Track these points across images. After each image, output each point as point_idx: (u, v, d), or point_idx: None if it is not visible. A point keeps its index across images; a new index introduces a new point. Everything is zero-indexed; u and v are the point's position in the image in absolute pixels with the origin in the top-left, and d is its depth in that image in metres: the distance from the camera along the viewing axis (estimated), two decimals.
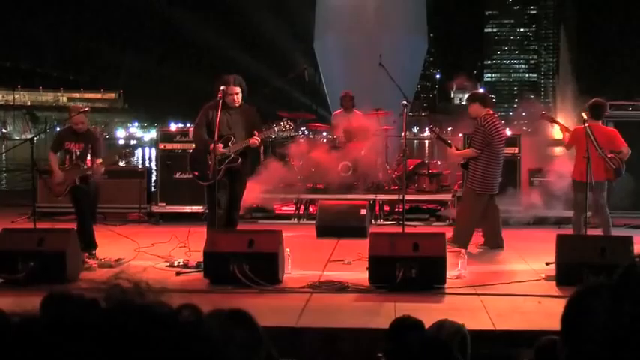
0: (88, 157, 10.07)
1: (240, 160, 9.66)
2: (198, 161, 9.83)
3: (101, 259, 9.62)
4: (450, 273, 8.56)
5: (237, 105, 9.68)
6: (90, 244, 9.95)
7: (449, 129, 20.66)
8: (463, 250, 9.64)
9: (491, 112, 10.79)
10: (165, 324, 1.21)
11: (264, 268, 8.36)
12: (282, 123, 10.04)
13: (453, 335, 3.94)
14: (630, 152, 10.51)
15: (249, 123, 9.75)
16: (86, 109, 11.07)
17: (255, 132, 9.62)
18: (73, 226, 10.22)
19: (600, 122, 10.81)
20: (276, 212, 14.01)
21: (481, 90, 12.12)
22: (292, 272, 8.90)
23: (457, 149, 11.21)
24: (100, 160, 10.06)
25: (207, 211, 10.13)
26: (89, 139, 10.26)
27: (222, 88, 9.49)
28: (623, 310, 1.38)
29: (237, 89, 9.62)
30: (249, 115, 9.81)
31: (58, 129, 11.38)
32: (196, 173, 9.87)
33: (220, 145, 9.42)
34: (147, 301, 1.24)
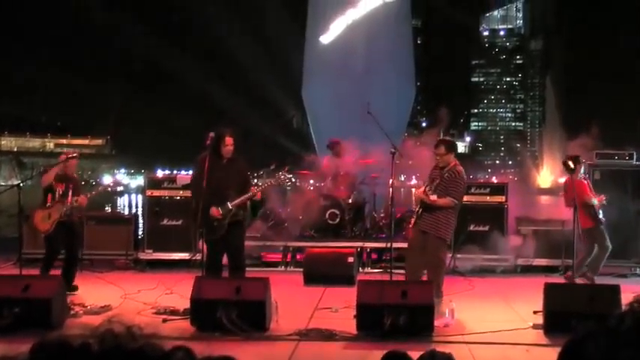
0: (69, 197, 10.89)
1: (241, 211, 9.94)
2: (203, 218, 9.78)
3: (87, 306, 9.57)
4: (438, 321, 8.55)
5: (229, 156, 9.94)
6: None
7: None
8: (452, 300, 9.61)
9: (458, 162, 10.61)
10: None
11: (251, 316, 8.32)
12: (281, 176, 10.44)
13: None
14: (596, 202, 11.37)
15: (242, 174, 10.05)
16: (75, 154, 11.28)
17: (252, 188, 10.07)
18: (59, 272, 10.50)
19: (577, 175, 11.17)
20: (264, 260, 13.96)
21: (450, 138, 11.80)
22: (280, 320, 8.86)
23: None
24: (82, 196, 11.03)
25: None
26: (69, 180, 11.10)
27: (211, 134, 9.84)
28: (619, 356, 1.38)
29: (232, 140, 9.93)
30: (241, 167, 10.09)
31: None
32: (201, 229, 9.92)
33: (215, 210, 9.67)
34: (139, 344, 1.24)
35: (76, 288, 10.89)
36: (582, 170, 11.18)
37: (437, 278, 9.90)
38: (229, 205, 9.74)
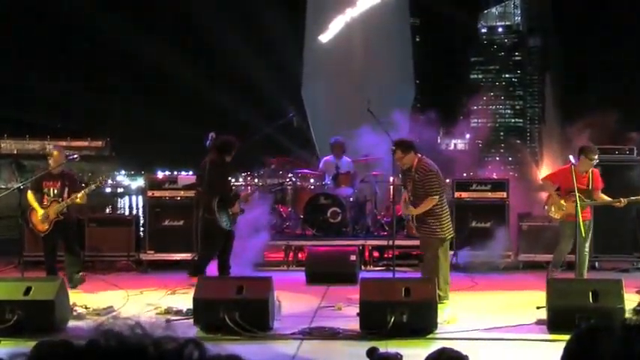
0: (65, 194, 11.14)
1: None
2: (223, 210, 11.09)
3: (90, 308, 9.56)
4: (441, 318, 8.56)
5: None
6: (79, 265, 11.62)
7: None
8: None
9: (421, 155, 10.36)
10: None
11: (254, 315, 8.31)
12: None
13: None
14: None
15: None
16: (75, 156, 11.28)
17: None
18: (61, 274, 10.59)
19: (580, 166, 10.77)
20: (266, 259, 13.94)
21: (405, 137, 11.64)
22: (283, 319, 8.86)
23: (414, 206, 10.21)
24: (80, 193, 11.12)
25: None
26: (64, 177, 11.32)
27: (212, 134, 11.20)
28: (636, 349, 1.37)
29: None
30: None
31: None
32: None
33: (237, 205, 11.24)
34: (147, 339, 1.23)
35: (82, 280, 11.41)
36: (574, 161, 10.77)
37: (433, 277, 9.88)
38: (240, 201, 11.32)
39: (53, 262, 11.38)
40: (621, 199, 10.57)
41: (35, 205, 11.14)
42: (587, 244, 10.61)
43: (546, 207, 10.93)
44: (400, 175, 10.75)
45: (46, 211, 11.08)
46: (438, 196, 10.00)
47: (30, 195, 11.19)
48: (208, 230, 11.03)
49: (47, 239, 11.30)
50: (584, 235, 10.15)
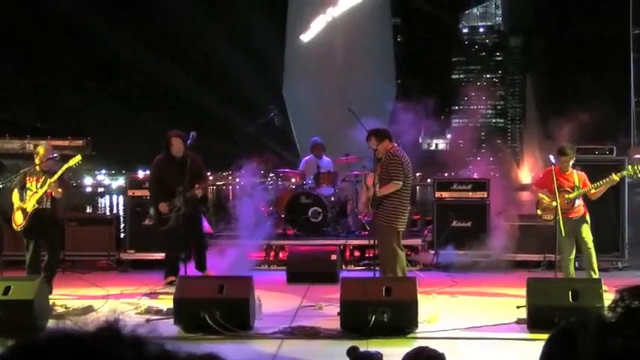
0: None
1: (183, 208, 10.84)
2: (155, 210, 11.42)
3: (69, 307, 9.51)
4: (422, 317, 8.56)
5: (180, 155, 11.15)
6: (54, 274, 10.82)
7: (417, 174, 20.81)
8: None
9: (396, 144, 10.38)
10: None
11: (235, 315, 8.30)
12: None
13: None
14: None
15: (193, 170, 10.94)
16: (55, 155, 10.98)
17: (196, 184, 11.06)
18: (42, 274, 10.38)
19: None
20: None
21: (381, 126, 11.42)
22: (264, 318, 8.85)
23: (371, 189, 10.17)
24: (52, 180, 10.44)
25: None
26: (50, 173, 10.65)
27: (193, 134, 11.24)
28: (610, 345, 1.38)
29: (178, 141, 11.21)
30: (192, 163, 10.95)
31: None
32: (154, 221, 11.67)
33: (163, 205, 11.10)
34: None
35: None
36: (554, 161, 10.70)
37: (389, 267, 9.85)
38: (176, 200, 10.95)
39: (36, 264, 10.59)
40: (592, 189, 10.50)
41: (17, 203, 10.55)
42: (591, 241, 10.49)
43: (538, 211, 10.87)
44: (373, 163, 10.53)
45: (26, 204, 10.51)
46: (401, 183, 9.91)
47: (15, 195, 10.64)
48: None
49: (26, 235, 10.60)
50: (564, 234, 10.12)
